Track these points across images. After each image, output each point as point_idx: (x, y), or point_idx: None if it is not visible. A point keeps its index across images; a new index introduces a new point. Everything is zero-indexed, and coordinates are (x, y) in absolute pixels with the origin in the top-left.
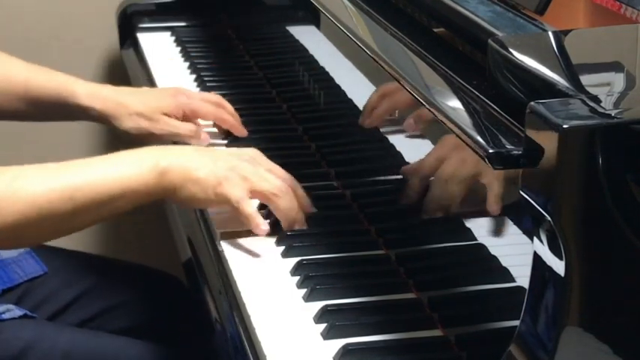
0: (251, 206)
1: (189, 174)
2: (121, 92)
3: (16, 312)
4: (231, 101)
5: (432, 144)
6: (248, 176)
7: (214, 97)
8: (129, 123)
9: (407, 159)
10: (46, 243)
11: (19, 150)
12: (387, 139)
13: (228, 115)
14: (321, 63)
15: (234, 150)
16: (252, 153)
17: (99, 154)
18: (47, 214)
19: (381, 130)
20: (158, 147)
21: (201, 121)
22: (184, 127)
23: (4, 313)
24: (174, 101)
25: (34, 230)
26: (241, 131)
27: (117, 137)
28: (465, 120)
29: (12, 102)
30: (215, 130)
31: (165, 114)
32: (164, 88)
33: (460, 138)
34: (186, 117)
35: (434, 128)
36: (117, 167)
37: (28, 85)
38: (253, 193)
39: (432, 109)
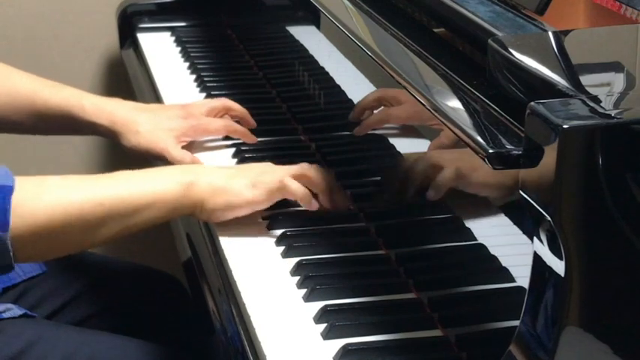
0: (295, 182)
1: (217, 185)
2: (130, 109)
3: (16, 311)
4: None
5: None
6: (276, 176)
7: (221, 102)
8: (133, 141)
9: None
10: None
11: (19, 150)
12: (386, 139)
13: (237, 125)
14: (321, 63)
15: (251, 165)
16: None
17: (101, 155)
18: (77, 221)
19: (381, 130)
20: (182, 165)
21: None
22: (177, 157)
23: (4, 312)
24: (185, 124)
25: (63, 238)
26: (251, 139)
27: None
28: (465, 120)
29: (18, 115)
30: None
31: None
32: (174, 108)
33: (460, 138)
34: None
35: (435, 131)
36: (145, 180)
37: (34, 99)
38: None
39: (432, 109)
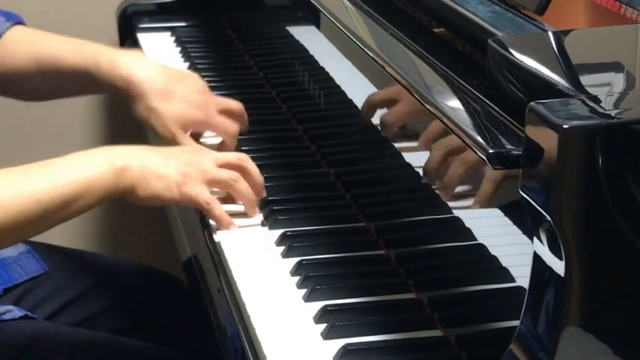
0: (220, 207)
1: (149, 172)
2: (146, 76)
3: (17, 313)
4: None
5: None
6: (205, 168)
7: (236, 106)
8: (144, 115)
9: (407, 159)
10: (45, 241)
11: (19, 150)
12: (387, 139)
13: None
14: (321, 63)
15: (181, 147)
16: (198, 147)
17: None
18: (15, 218)
19: (381, 130)
20: (112, 147)
21: None
22: (188, 142)
23: (4, 314)
24: (197, 114)
25: (3, 235)
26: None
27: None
28: (465, 120)
29: (42, 79)
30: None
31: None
32: (194, 93)
33: (460, 138)
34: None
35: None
36: (76, 169)
37: (57, 61)
38: (212, 183)
39: (432, 109)
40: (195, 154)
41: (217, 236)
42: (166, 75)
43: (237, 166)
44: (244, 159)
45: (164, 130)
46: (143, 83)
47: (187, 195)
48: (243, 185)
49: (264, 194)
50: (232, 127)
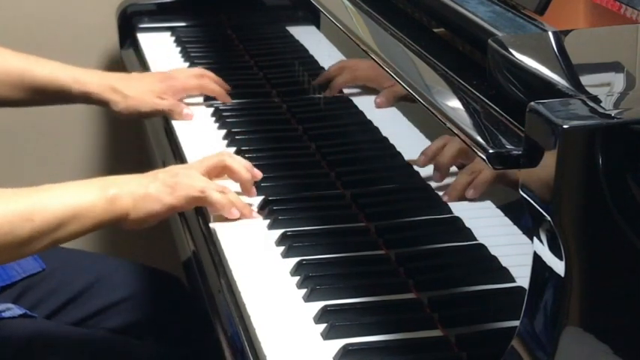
0: (216, 192)
1: (139, 195)
2: (116, 78)
3: (16, 311)
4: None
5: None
6: (191, 176)
7: (197, 70)
8: (121, 106)
9: (407, 159)
10: None
11: (19, 150)
12: (387, 139)
13: (214, 83)
14: (321, 63)
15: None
16: (186, 164)
17: (101, 155)
18: (7, 235)
19: (381, 130)
20: (105, 177)
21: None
22: (166, 104)
23: (3, 311)
24: (164, 85)
25: None
26: (226, 99)
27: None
28: (465, 120)
29: (10, 91)
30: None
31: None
32: (153, 74)
33: (460, 138)
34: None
35: (435, 129)
36: (70, 194)
37: (24, 76)
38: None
39: (432, 109)
40: (179, 169)
41: (217, 236)
42: (127, 75)
43: (221, 168)
44: (224, 157)
45: (145, 105)
46: (114, 84)
47: (180, 196)
48: (232, 197)
49: (258, 175)
50: (200, 82)
